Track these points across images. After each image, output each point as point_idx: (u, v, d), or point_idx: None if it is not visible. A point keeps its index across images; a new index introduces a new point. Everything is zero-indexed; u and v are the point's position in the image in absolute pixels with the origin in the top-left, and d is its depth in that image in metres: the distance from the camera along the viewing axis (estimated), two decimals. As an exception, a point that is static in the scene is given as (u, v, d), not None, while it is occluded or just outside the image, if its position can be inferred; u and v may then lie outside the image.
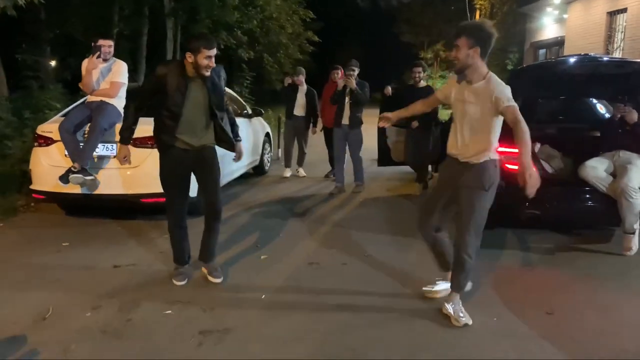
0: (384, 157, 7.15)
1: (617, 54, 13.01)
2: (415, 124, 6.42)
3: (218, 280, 3.73)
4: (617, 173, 4.32)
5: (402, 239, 4.82)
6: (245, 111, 7.63)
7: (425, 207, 3.41)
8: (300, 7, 20.75)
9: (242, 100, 8.00)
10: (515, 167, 4.58)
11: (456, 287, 3.17)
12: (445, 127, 6.96)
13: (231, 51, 17.96)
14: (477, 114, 2.99)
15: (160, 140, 3.64)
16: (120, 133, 3.75)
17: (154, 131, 3.69)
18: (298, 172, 8.16)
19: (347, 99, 6.59)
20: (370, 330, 3.02)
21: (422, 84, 6.72)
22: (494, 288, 3.63)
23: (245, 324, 3.09)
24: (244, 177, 7.37)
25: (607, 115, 4.73)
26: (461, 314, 3.09)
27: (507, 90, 2.90)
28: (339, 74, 7.63)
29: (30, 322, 3.08)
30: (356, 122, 6.65)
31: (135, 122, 3.70)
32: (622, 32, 13.37)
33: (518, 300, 3.43)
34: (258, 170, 7.99)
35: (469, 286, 3.34)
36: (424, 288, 3.46)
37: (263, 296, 3.49)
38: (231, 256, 4.32)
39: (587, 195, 4.41)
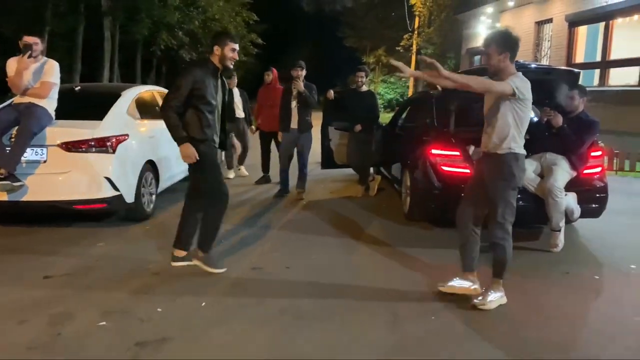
0: (327, 160, 7.24)
1: (545, 61, 13.79)
2: (358, 127, 6.53)
3: (220, 271, 3.96)
4: (544, 174, 4.58)
5: (347, 240, 4.88)
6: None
7: (465, 198, 3.58)
8: (244, 9, 20.59)
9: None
10: (453, 169, 4.81)
11: (497, 274, 3.43)
12: (385, 130, 7.15)
13: (172, 52, 17.58)
14: (499, 107, 3.28)
15: (204, 133, 3.81)
16: (177, 135, 3.76)
17: (192, 128, 3.78)
18: (240, 170, 8.28)
19: (294, 103, 6.44)
20: (314, 334, 3.03)
21: (364, 88, 6.84)
22: (428, 286, 3.74)
23: (184, 333, 3.01)
24: (185, 181, 7.19)
25: (535, 119, 4.99)
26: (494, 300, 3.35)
27: (517, 81, 3.21)
28: (270, 76, 7.75)
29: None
30: (306, 126, 6.50)
31: (180, 122, 3.80)
32: (548, 40, 14.19)
33: (449, 297, 3.54)
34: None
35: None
36: (439, 284, 3.57)
37: (203, 303, 3.42)
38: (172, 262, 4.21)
39: (518, 195, 4.63)
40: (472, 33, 19.08)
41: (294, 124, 6.49)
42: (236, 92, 8.04)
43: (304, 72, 6.38)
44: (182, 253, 4.06)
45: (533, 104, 5.74)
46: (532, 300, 3.56)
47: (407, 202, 5.55)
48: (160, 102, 6.65)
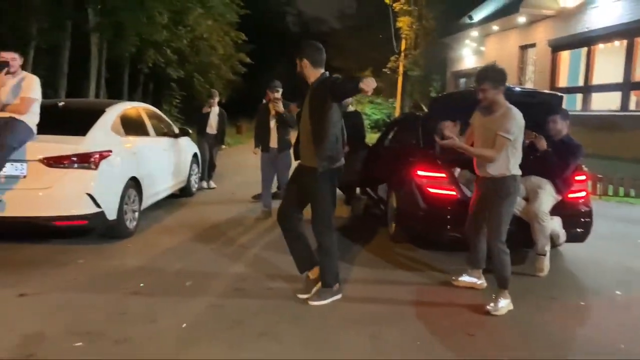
0: (313, 180, 7.19)
1: (529, 85, 14.04)
2: (345, 148, 6.50)
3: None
4: (529, 197, 4.58)
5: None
6: (172, 130, 7.41)
7: (471, 214, 4.02)
8: (232, 29, 20.71)
9: (168, 120, 7.77)
10: (439, 191, 4.80)
11: (501, 285, 3.75)
12: (371, 150, 7.15)
13: (159, 69, 17.54)
14: (491, 135, 3.61)
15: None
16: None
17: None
18: (209, 184, 8.83)
19: (273, 122, 6.44)
20: (295, 357, 2.95)
21: (351, 108, 6.87)
22: (414, 306, 3.69)
23: (162, 356, 2.92)
24: (169, 199, 7.11)
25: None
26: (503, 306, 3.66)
27: (512, 123, 3.56)
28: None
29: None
30: (285, 145, 6.52)
31: None
32: (532, 64, 14.47)
33: (430, 317, 3.49)
34: (185, 192, 7.75)
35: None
36: (452, 277, 4.19)
37: (184, 325, 3.33)
38: (153, 282, 4.10)
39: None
40: (456, 56, 19.42)
41: (273, 143, 6.53)
42: (214, 111, 8.81)
43: (280, 91, 6.41)
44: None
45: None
46: (519, 324, 3.53)
47: (392, 224, 5.52)
48: (146, 119, 6.61)
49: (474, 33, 16.71)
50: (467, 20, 16.67)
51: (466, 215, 4.07)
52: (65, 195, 4.79)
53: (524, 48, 14.83)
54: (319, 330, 3.33)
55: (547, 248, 4.50)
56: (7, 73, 4.74)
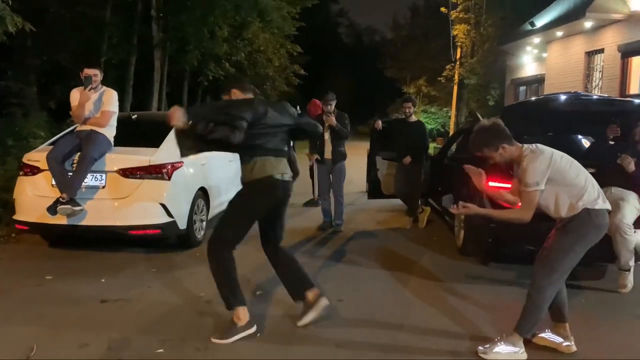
0: (374, 190, 7.15)
1: (596, 92, 13.40)
2: (408, 159, 6.45)
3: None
4: (611, 209, 4.33)
5: (397, 273, 4.76)
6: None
7: None
8: (288, 41, 21.04)
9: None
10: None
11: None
12: (434, 160, 7.04)
13: (219, 82, 18.03)
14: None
15: None
16: None
17: None
18: None
19: (327, 134, 6.41)
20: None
21: (413, 118, 6.80)
22: (483, 326, 3.56)
23: (242, 364, 2.97)
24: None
25: (599, 152, 4.80)
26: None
27: (531, 172, 2.97)
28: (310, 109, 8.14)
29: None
30: (339, 156, 6.49)
31: None
32: (600, 71, 13.82)
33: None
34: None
35: None
36: (478, 347, 3.16)
37: (258, 334, 3.36)
38: (223, 291, 4.18)
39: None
40: (516, 63, 18.84)
41: (327, 154, 6.51)
42: None
43: (334, 103, 6.37)
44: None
45: (593, 135, 5.60)
46: (603, 343, 3.34)
47: (460, 236, 5.38)
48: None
49: (536, 39, 16.16)
50: (529, 27, 16.15)
51: (542, 228, 3.89)
52: (140, 205, 4.97)
53: (590, 54, 14.19)
54: (393, 345, 3.27)
55: (632, 263, 4.24)
56: (90, 89, 5.02)
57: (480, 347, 3.13)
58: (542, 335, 3.25)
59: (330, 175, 6.59)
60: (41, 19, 7.93)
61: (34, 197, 4.95)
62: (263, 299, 4.04)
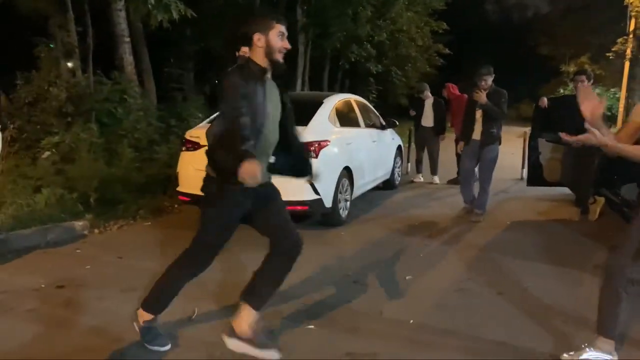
0: (535, 176, 6.38)
1: None
2: (579, 138, 5.61)
3: None
4: None
5: (564, 270, 4.19)
6: (379, 122, 7.39)
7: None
8: (432, 19, 20.18)
9: (375, 111, 7.75)
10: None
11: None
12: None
13: (359, 65, 18.00)
14: None
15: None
16: None
17: None
18: (433, 179, 8.53)
19: (479, 113, 5.80)
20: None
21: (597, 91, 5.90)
22: None
23: (392, 353, 2.78)
24: (372, 191, 7.07)
25: None
26: None
27: None
28: (445, 92, 8.62)
29: (175, 321, 3.08)
30: (489, 139, 5.80)
31: None
32: None
33: None
34: (387, 185, 7.65)
35: None
36: (563, 355, 2.73)
37: (411, 321, 3.14)
38: (371, 272, 4.04)
39: None
40: None
41: (476, 135, 5.86)
42: (429, 102, 8.51)
43: (490, 79, 5.71)
44: None
45: None
46: None
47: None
48: (357, 110, 6.69)
49: None
50: None
51: None
52: (290, 182, 5.00)
53: None
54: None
55: None
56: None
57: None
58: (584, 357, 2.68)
59: (477, 159, 5.96)
60: (196, 7, 8.48)
61: (195, 171, 5.22)
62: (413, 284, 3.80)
